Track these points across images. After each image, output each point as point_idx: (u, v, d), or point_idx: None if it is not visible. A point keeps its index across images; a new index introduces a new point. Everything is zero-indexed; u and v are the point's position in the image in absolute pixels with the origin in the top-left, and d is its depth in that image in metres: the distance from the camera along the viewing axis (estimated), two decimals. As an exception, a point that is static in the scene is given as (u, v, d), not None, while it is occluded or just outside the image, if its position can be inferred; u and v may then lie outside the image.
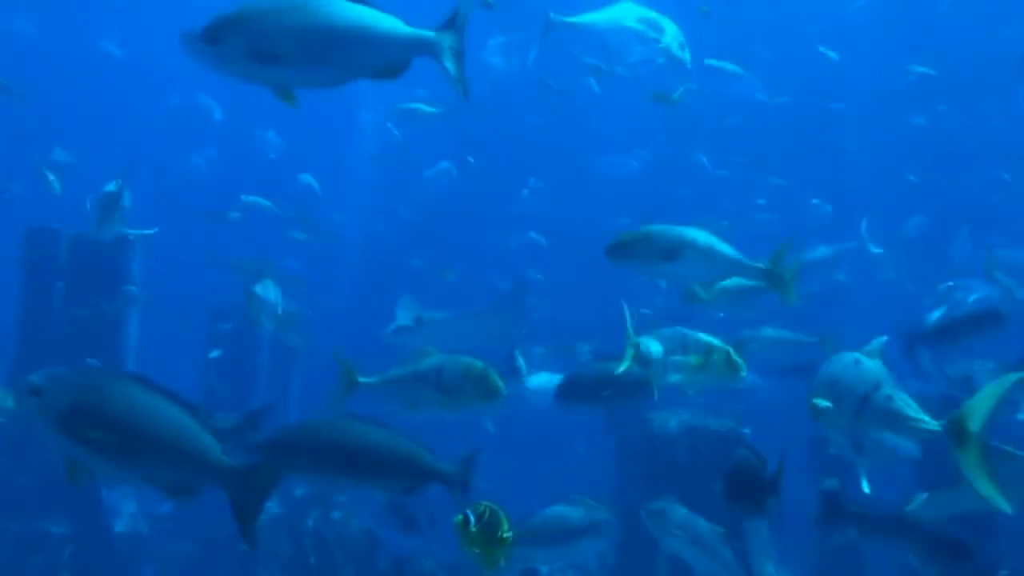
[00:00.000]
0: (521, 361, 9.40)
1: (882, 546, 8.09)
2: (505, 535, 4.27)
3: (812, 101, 19.09)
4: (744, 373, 6.08)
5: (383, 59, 5.00)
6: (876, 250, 12.60)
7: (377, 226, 21.41)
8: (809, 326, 9.44)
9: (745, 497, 6.81)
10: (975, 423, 4.40)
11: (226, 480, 4.80)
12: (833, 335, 8.39)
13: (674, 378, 6.13)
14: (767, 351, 9.20)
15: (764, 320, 9.23)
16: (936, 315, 11.06)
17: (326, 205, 21.13)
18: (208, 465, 4.78)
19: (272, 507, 11.42)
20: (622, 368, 6.14)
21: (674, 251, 6.55)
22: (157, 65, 19.50)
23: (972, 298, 11.78)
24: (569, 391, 7.61)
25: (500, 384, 6.25)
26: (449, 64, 5.05)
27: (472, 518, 4.22)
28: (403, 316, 9.26)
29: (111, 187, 9.22)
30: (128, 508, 10.85)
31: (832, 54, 16.82)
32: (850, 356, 5.21)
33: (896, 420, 4.79)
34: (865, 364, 5.10)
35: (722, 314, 8.65)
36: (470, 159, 16.45)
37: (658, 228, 6.66)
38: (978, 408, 4.42)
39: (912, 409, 4.78)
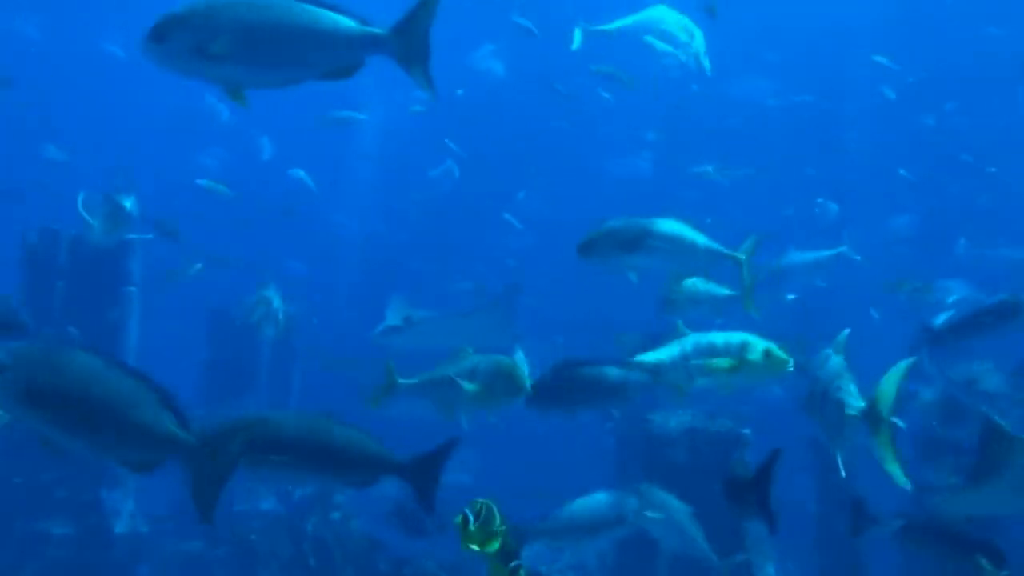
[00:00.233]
0: (523, 359, 9.39)
1: (914, 552, 8.11)
2: (499, 530, 4.28)
3: (818, 102, 19.11)
4: (791, 366, 6.00)
5: (333, 59, 4.98)
6: (857, 257, 12.64)
7: (377, 226, 21.43)
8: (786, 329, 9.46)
9: (742, 497, 6.85)
10: (885, 409, 4.90)
11: (185, 455, 4.78)
12: (799, 336, 8.42)
13: (702, 382, 6.11)
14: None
15: (738, 325, 9.28)
16: (943, 318, 11.08)
17: (325, 206, 21.18)
18: (167, 440, 4.75)
19: (272, 508, 11.45)
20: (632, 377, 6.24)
21: (636, 242, 6.59)
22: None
23: (951, 299, 11.87)
24: (540, 395, 7.54)
25: (526, 381, 6.24)
26: (405, 64, 5.04)
27: (471, 517, 4.23)
28: (392, 316, 9.23)
29: (118, 198, 9.20)
30: (128, 508, 10.85)
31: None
32: (824, 353, 5.59)
33: (838, 407, 5.17)
34: (832, 360, 5.47)
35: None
36: (450, 143, 16.30)
37: (621, 221, 6.69)
38: (885, 396, 4.92)
39: (850, 396, 5.15)
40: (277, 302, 10.51)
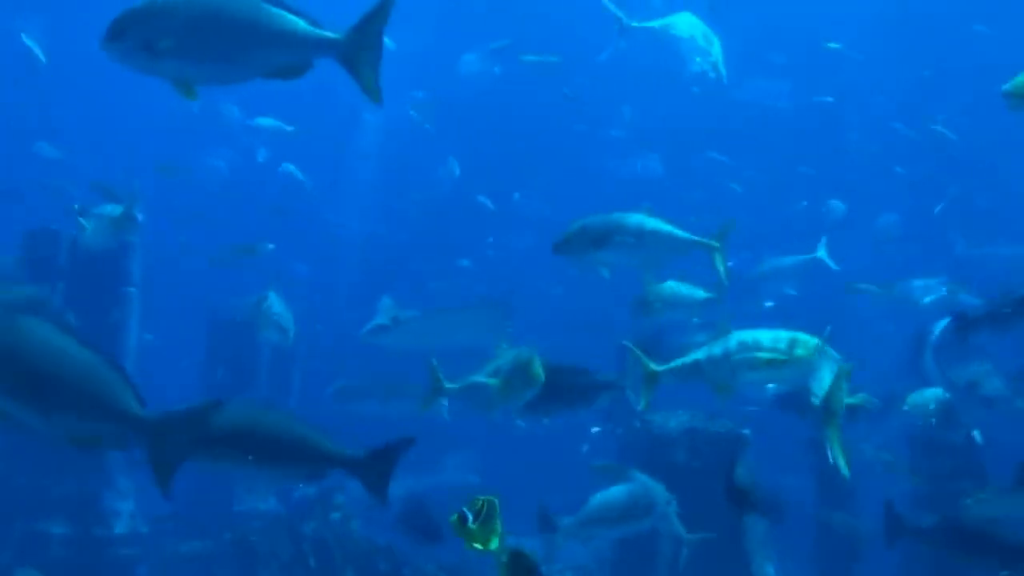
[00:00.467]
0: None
1: (947, 557, 8.12)
2: (497, 526, 4.25)
3: (835, 103, 19.13)
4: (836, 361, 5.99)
5: (281, 58, 5.01)
6: (834, 267, 12.67)
7: (377, 227, 21.41)
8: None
9: (741, 497, 6.91)
10: (838, 405, 5.20)
11: (143, 432, 4.79)
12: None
13: (750, 377, 6.11)
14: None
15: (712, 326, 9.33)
16: (942, 324, 11.09)
17: (326, 207, 21.17)
18: (125, 416, 4.76)
19: (272, 508, 11.45)
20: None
21: (606, 237, 6.71)
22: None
23: (929, 299, 11.92)
24: None
25: (541, 372, 6.23)
26: (353, 70, 5.02)
27: (469, 515, 4.20)
28: (381, 316, 9.23)
29: (124, 208, 9.18)
30: (127, 509, 10.85)
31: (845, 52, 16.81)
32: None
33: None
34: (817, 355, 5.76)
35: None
36: (452, 160, 16.37)
37: (591, 218, 6.82)
38: (837, 394, 5.23)
39: (820, 386, 5.41)
40: (282, 308, 10.48)
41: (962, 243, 17.11)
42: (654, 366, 6.26)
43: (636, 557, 9.89)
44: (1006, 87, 5.71)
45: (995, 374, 10.15)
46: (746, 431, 10.00)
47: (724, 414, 10.19)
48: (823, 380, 5.36)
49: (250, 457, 5.63)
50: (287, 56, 5.02)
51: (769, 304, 12.34)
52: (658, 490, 7.75)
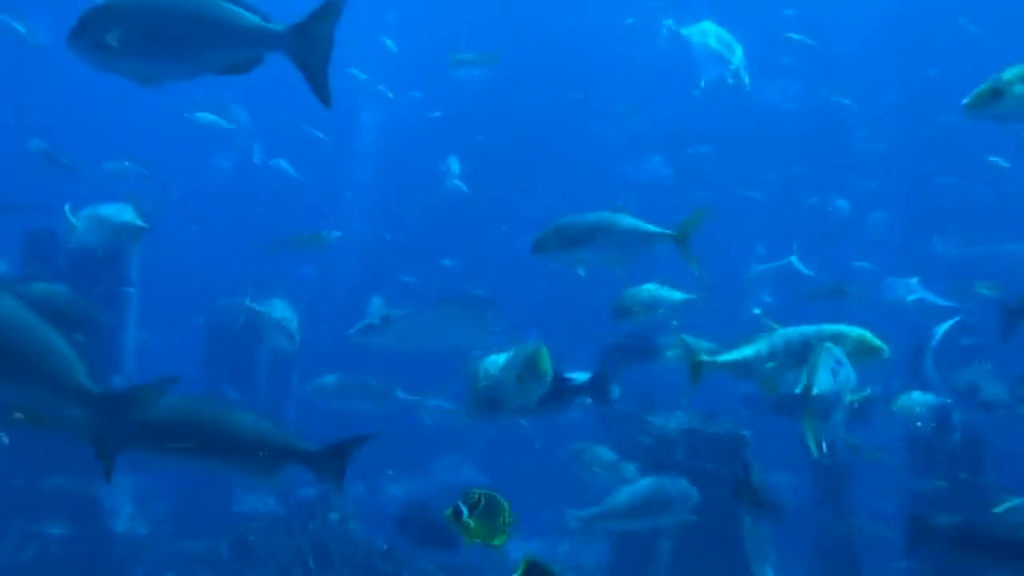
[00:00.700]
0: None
1: (975, 564, 8.12)
2: (507, 520, 4.17)
3: (830, 102, 19.15)
4: (886, 354, 6.15)
5: (231, 54, 5.02)
6: (808, 272, 12.70)
7: (377, 230, 21.39)
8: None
9: (748, 499, 6.95)
10: (814, 387, 5.37)
11: (87, 405, 4.71)
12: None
13: (795, 374, 6.07)
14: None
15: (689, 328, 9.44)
16: (943, 328, 11.09)
17: (326, 207, 21.16)
18: (70, 387, 4.68)
19: (272, 509, 11.44)
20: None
21: (580, 237, 6.94)
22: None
23: (912, 298, 11.97)
24: (480, 403, 7.55)
25: (547, 368, 6.26)
26: (301, 66, 4.95)
27: (464, 509, 4.12)
28: (371, 316, 9.22)
29: (133, 218, 9.11)
30: (126, 509, 10.84)
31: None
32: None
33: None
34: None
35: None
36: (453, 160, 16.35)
37: (566, 218, 7.04)
38: (818, 381, 5.37)
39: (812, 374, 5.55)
40: (288, 314, 10.44)
41: (943, 243, 17.14)
42: (701, 356, 6.32)
43: (635, 557, 9.89)
44: (965, 100, 5.73)
45: (996, 379, 10.16)
46: (745, 432, 9.99)
47: (723, 415, 10.20)
48: (821, 377, 5.41)
49: (199, 449, 5.60)
50: (238, 52, 5.03)
51: (756, 311, 12.40)
52: (681, 485, 7.86)
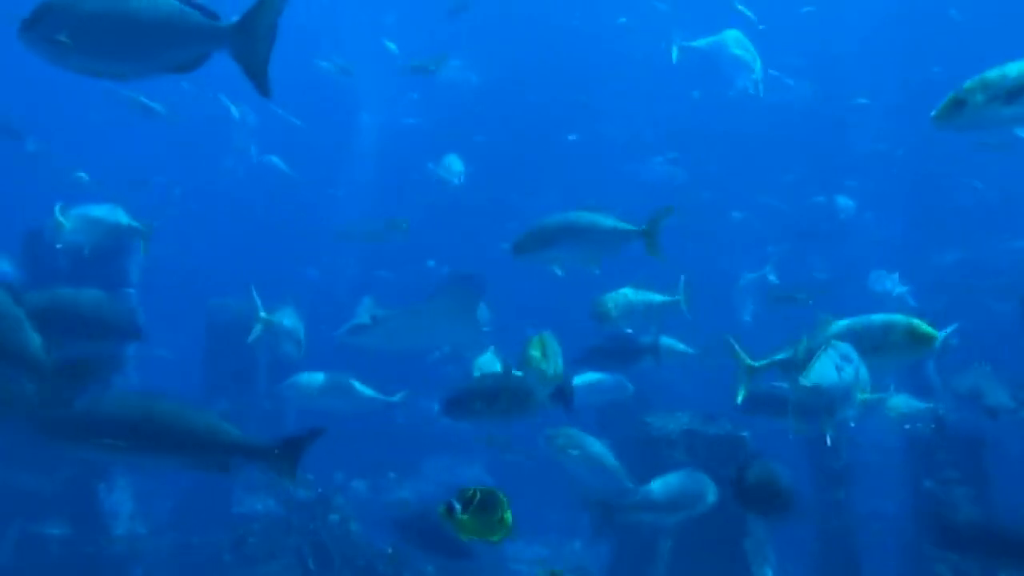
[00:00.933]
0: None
1: (1002, 566, 8.15)
2: (505, 516, 4.10)
3: (832, 102, 19.18)
4: (939, 341, 6.14)
5: (178, 52, 5.08)
6: (774, 279, 12.76)
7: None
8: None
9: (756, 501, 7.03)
10: (808, 383, 5.54)
11: (38, 375, 4.82)
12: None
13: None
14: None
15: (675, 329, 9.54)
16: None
17: (326, 208, 21.16)
18: (22, 356, 4.80)
19: (271, 509, 11.43)
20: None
21: (548, 235, 7.17)
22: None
23: (898, 291, 12.11)
24: (454, 405, 7.56)
25: (557, 348, 6.36)
26: (243, 63, 5.04)
27: (457, 505, 4.03)
28: (360, 315, 9.21)
29: (125, 219, 9.09)
30: (126, 510, 10.84)
31: None
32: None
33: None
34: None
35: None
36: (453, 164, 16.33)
37: (540, 221, 7.28)
38: (812, 374, 5.56)
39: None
40: (295, 322, 10.42)
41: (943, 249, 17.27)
42: (752, 361, 6.49)
43: (635, 557, 9.89)
44: (932, 113, 5.69)
45: (999, 384, 10.16)
46: (745, 433, 9.99)
47: (723, 416, 10.20)
48: (816, 371, 5.46)
49: (145, 446, 5.61)
50: (186, 50, 5.10)
51: (747, 319, 12.44)
52: (705, 480, 8.00)
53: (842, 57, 20.07)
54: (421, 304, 8.52)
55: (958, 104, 5.57)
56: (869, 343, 6.08)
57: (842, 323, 6.32)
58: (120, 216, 8.99)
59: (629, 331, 8.68)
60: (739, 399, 6.52)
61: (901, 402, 9.52)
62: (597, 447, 7.95)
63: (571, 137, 19.20)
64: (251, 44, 4.98)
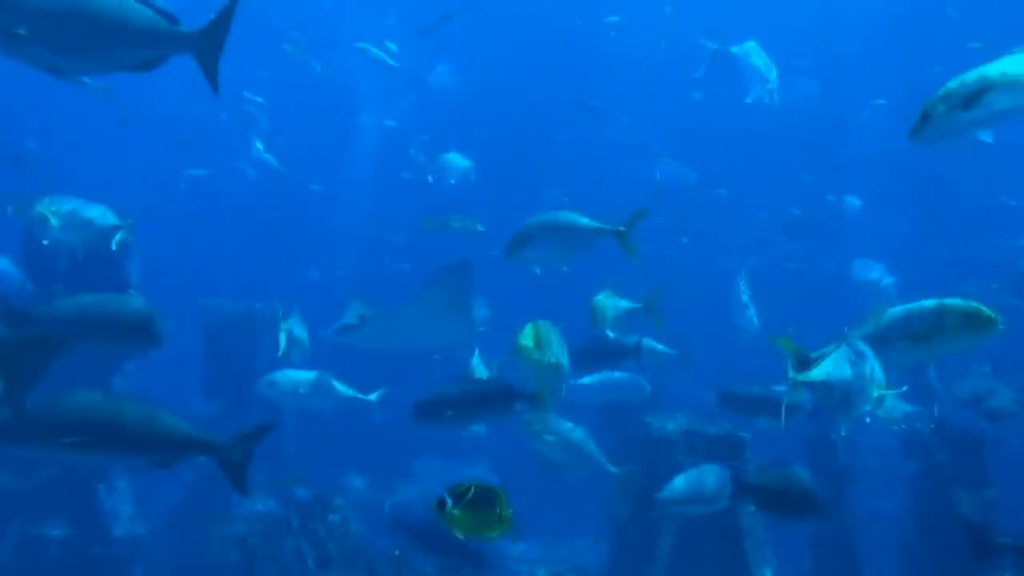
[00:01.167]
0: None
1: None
2: (504, 513, 4.00)
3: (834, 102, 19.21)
4: (1000, 326, 5.80)
5: (138, 52, 5.28)
6: (745, 297, 12.81)
7: (378, 230, 21.40)
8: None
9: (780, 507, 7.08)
10: (817, 378, 5.54)
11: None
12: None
13: (895, 357, 6.02)
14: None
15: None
16: None
17: (326, 208, 21.17)
18: None
19: (272, 509, 11.43)
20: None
21: (526, 236, 7.35)
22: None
23: (887, 281, 12.24)
24: (424, 411, 7.53)
25: (563, 352, 6.37)
26: (202, 62, 5.45)
27: (449, 500, 3.93)
28: (349, 316, 9.21)
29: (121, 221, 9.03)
30: (126, 511, 10.84)
31: None
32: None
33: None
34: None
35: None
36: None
37: (520, 225, 7.43)
38: (820, 370, 5.55)
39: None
40: (301, 331, 10.42)
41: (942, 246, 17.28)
42: (804, 354, 6.25)
43: (635, 557, 9.89)
44: (908, 131, 5.71)
45: (1001, 387, 10.16)
46: (745, 434, 9.99)
47: (723, 416, 10.20)
48: (825, 367, 5.47)
49: (101, 443, 5.66)
50: (145, 50, 5.33)
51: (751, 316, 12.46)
52: (724, 475, 8.01)
53: (842, 57, 20.06)
54: (409, 303, 8.52)
55: (924, 118, 5.63)
56: (921, 330, 5.89)
57: (896, 310, 6.10)
58: (112, 220, 8.95)
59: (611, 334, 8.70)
60: (791, 391, 6.23)
61: (892, 403, 9.53)
62: (577, 433, 7.99)
63: (564, 138, 19.11)
64: (211, 50, 5.47)
